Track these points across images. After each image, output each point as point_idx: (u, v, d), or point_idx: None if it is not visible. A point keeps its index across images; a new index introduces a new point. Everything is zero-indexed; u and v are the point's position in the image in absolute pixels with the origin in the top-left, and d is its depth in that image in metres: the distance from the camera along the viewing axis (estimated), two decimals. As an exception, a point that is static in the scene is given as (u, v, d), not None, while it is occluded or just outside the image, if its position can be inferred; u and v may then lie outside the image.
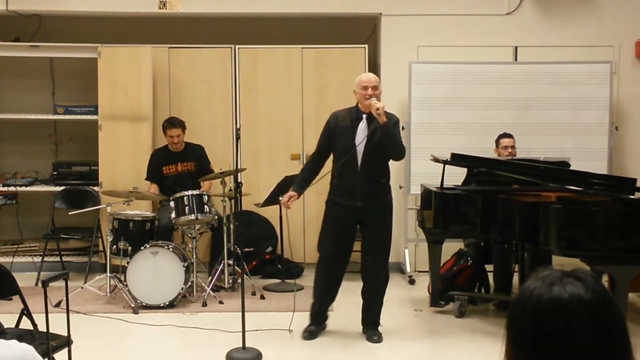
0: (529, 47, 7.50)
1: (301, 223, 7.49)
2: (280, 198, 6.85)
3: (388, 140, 5.17)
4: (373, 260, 5.39)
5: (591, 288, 1.46)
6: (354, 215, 5.29)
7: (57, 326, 4.00)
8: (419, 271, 7.40)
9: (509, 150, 6.45)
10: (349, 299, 5.64)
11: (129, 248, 6.27)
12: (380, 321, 5.52)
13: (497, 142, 6.57)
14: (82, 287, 6.41)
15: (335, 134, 5.32)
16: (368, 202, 5.24)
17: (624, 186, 5.36)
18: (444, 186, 5.83)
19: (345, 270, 5.49)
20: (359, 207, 5.24)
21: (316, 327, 5.47)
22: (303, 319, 5.55)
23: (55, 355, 3.95)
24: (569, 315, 1.44)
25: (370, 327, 5.47)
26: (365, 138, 5.19)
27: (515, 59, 7.52)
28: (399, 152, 5.30)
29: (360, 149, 5.21)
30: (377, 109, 5.07)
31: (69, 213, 6.88)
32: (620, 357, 1.46)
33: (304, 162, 7.38)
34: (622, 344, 1.46)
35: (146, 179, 7.06)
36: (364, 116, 5.25)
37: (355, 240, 5.52)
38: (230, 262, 6.65)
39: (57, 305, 5.76)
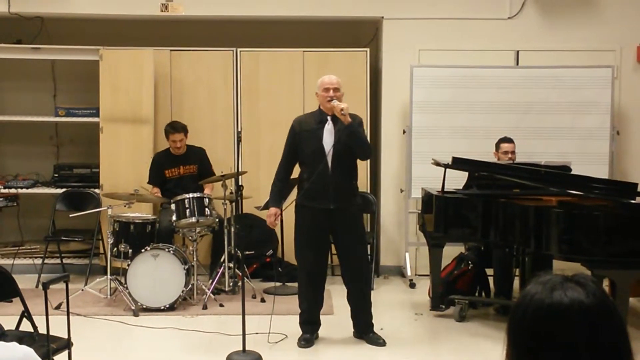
0: (530, 51, 7.50)
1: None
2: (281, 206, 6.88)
3: (354, 140, 5.17)
4: (352, 264, 5.36)
5: (592, 293, 1.46)
6: (326, 219, 5.25)
7: (58, 328, 3.99)
8: (419, 275, 7.39)
9: (509, 155, 6.43)
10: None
11: (130, 250, 6.27)
12: (381, 325, 5.51)
13: (497, 146, 6.56)
14: (82, 290, 6.41)
15: (301, 138, 5.31)
16: (340, 204, 5.21)
17: (625, 191, 5.36)
18: (445, 190, 5.84)
19: (326, 274, 5.47)
20: (331, 209, 5.21)
21: (311, 335, 5.44)
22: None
23: (55, 358, 3.95)
24: (570, 320, 1.44)
25: (369, 331, 5.44)
26: (333, 139, 5.18)
27: (517, 63, 7.52)
28: (366, 152, 5.31)
29: (328, 150, 5.20)
30: (342, 109, 5.08)
31: (70, 215, 6.88)
32: None
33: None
34: (623, 349, 1.46)
35: (148, 183, 7.06)
36: (329, 118, 5.24)
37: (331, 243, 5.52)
38: (231, 264, 6.65)
39: (58, 307, 5.76)
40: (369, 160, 6.92)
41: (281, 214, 5.50)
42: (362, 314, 5.45)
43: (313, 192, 5.23)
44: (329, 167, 5.20)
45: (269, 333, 5.42)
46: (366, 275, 5.49)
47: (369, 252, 5.56)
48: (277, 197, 5.45)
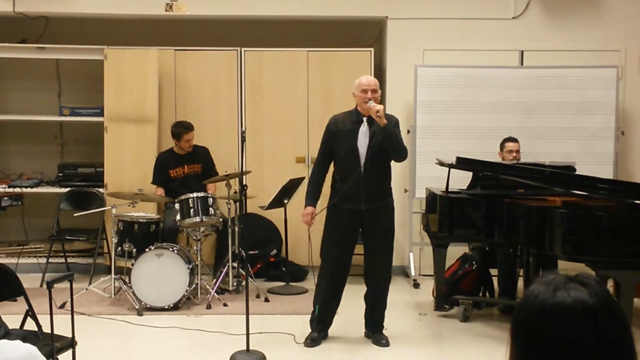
0: (535, 51, 7.49)
1: (306, 226, 7.46)
2: (285, 201, 6.90)
3: (389, 142, 5.17)
4: (377, 264, 5.39)
5: (595, 293, 1.46)
6: (357, 219, 5.28)
7: (62, 327, 4.00)
8: (423, 275, 7.39)
9: (514, 154, 6.44)
10: (351, 303, 5.62)
11: (134, 250, 6.28)
12: (385, 325, 5.51)
13: (502, 145, 6.55)
14: (86, 289, 6.42)
15: (337, 138, 5.33)
16: (371, 205, 5.24)
17: (630, 191, 5.35)
18: (449, 190, 5.83)
19: (347, 276, 5.48)
20: (362, 210, 5.23)
21: (318, 334, 5.45)
22: (307, 322, 5.54)
23: (59, 357, 3.96)
24: (573, 321, 1.43)
25: (377, 330, 5.46)
26: (368, 141, 5.20)
27: (521, 63, 7.51)
28: (401, 154, 5.30)
29: (362, 152, 5.21)
30: (377, 112, 5.08)
31: (74, 214, 6.88)
32: None
33: (309, 165, 7.39)
34: (627, 349, 1.46)
35: (152, 183, 7.06)
36: (365, 119, 5.25)
37: (357, 244, 5.52)
38: (235, 264, 6.65)
39: (62, 306, 5.78)
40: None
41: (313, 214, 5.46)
42: (376, 313, 5.47)
43: (345, 192, 5.25)
44: (362, 169, 5.21)
45: (273, 333, 5.43)
46: (386, 277, 5.48)
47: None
48: (313, 196, 5.45)
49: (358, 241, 5.50)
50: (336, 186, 5.35)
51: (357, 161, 5.21)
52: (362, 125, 5.25)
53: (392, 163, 5.41)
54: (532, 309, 1.48)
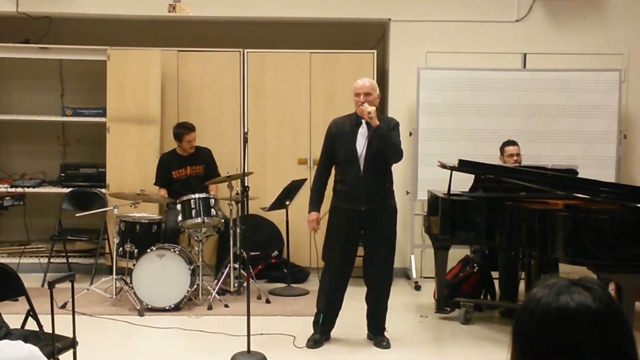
0: (537, 54, 7.49)
1: (307, 227, 7.47)
2: (287, 203, 6.90)
3: (383, 143, 5.19)
4: (377, 265, 5.39)
5: (599, 297, 1.46)
6: (358, 220, 5.29)
7: (63, 328, 4.00)
8: (424, 277, 7.39)
9: (515, 157, 6.43)
10: (353, 305, 5.62)
11: (135, 250, 6.28)
12: (386, 326, 5.51)
13: (502, 149, 6.53)
14: (88, 289, 6.42)
15: (337, 140, 5.36)
16: (371, 206, 5.25)
17: (632, 194, 5.35)
18: (451, 192, 5.83)
19: (349, 277, 5.48)
20: (362, 211, 5.24)
21: (321, 336, 5.45)
22: (308, 324, 5.54)
23: (60, 357, 3.96)
24: (576, 325, 1.43)
25: (378, 332, 5.46)
26: (366, 143, 5.21)
27: (524, 66, 7.51)
28: (395, 155, 5.29)
29: (361, 153, 5.23)
30: (369, 113, 5.12)
31: (76, 215, 6.89)
32: None
33: (312, 166, 7.39)
34: (629, 354, 1.46)
35: (155, 184, 7.07)
36: (363, 121, 5.27)
37: (359, 246, 5.52)
38: (236, 265, 6.65)
39: (63, 306, 5.77)
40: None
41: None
42: (376, 315, 5.47)
43: (345, 193, 5.28)
44: (361, 170, 5.23)
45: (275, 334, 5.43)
46: (386, 279, 5.47)
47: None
48: (316, 201, 5.47)
49: (360, 243, 5.50)
50: (337, 188, 5.38)
51: (356, 163, 5.24)
52: (361, 128, 5.28)
53: (395, 165, 5.41)
54: (535, 312, 1.47)
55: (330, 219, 5.41)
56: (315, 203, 5.47)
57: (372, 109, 5.16)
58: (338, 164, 5.40)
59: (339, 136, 5.35)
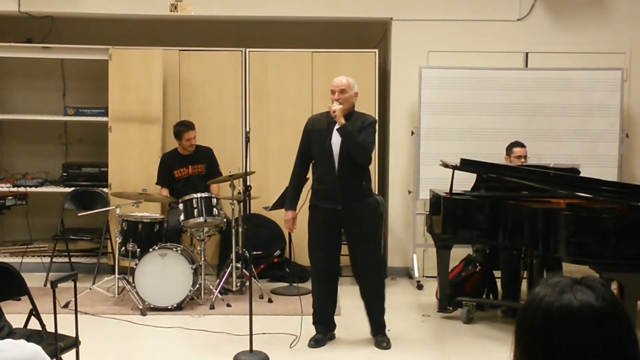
0: (539, 53, 7.48)
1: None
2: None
3: (347, 141, 5.15)
4: (361, 261, 5.37)
5: (602, 296, 1.46)
6: (335, 219, 5.27)
7: (66, 327, 4.01)
8: (427, 276, 7.38)
9: (522, 159, 6.39)
10: (355, 304, 5.62)
11: (138, 250, 6.29)
12: (388, 326, 5.50)
13: (509, 150, 6.49)
14: (90, 288, 6.43)
15: (312, 137, 5.33)
16: (348, 205, 5.22)
17: (634, 193, 5.34)
18: (453, 192, 5.82)
19: (339, 275, 5.48)
20: (338, 210, 5.22)
21: (323, 335, 5.45)
22: (311, 323, 5.54)
23: (63, 356, 3.96)
24: (580, 324, 1.43)
25: (377, 332, 5.45)
26: (340, 141, 5.18)
27: (526, 65, 7.50)
28: (361, 155, 5.20)
29: (336, 151, 5.20)
30: (333, 112, 5.12)
31: (78, 214, 6.90)
32: None
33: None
34: (633, 352, 1.45)
35: (157, 184, 7.07)
36: (332, 116, 5.24)
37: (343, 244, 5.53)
38: (239, 265, 6.65)
39: (66, 306, 5.78)
40: (376, 162, 6.93)
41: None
42: (373, 312, 5.44)
43: (322, 192, 5.27)
44: (336, 168, 5.20)
45: (277, 333, 5.43)
46: (377, 271, 5.47)
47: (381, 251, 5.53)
48: (291, 199, 5.45)
49: (343, 241, 5.50)
50: (314, 186, 5.35)
51: (331, 161, 5.21)
52: (336, 125, 5.22)
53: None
54: (538, 311, 1.47)
55: (310, 217, 5.39)
56: (291, 201, 5.44)
57: (338, 107, 5.12)
58: (314, 162, 5.38)
59: (314, 133, 5.32)
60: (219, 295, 6.38)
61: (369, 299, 5.44)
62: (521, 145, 6.48)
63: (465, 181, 6.10)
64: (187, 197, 6.48)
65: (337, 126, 5.21)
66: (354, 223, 5.29)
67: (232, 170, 6.66)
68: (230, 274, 6.64)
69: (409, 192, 7.48)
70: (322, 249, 5.34)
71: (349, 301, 5.53)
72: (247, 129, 7.22)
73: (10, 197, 7.50)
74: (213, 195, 6.56)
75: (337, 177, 5.20)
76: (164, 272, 6.14)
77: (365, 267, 5.39)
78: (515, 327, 1.54)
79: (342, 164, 5.20)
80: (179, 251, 6.21)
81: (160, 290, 6.15)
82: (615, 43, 7.48)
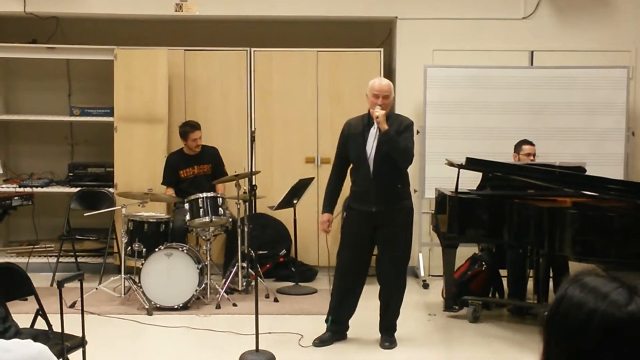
0: (545, 51, 7.47)
1: (315, 226, 7.45)
2: (295, 201, 6.89)
3: (389, 146, 5.16)
4: (387, 265, 5.37)
5: None
6: (369, 221, 5.28)
7: (72, 327, 4.02)
8: (432, 275, 7.38)
9: (531, 157, 6.38)
10: (365, 304, 5.59)
11: (144, 250, 6.30)
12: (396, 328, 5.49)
13: (518, 148, 6.47)
14: (96, 288, 6.44)
15: (349, 141, 5.35)
16: (382, 208, 5.23)
17: (640, 192, 5.33)
18: (459, 190, 5.82)
19: (364, 280, 5.45)
20: (373, 212, 5.23)
21: (331, 335, 5.43)
22: (317, 322, 5.55)
23: (69, 356, 3.98)
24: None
25: (385, 333, 5.45)
26: (374, 144, 5.19)
27: (531, 64, 7.49)
28: (402, 158, 5.23)
29: (371, 154, 5.21)
30: (377, 117, 5.11)
31: (85, 214, 6.91)
32: None
33: (319, 165, 7.40)
34: None
35: (162, 184, 7.08)
36: (375, 122, 5.24)
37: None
38: (244, 264, 6.66)
39: (72, 306, 5.80)
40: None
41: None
42: (386, 315, 5.45)
43: (358, 194, 5.30)
44: (371, 171, 5.22)
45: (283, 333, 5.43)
46: (397, 281, 5.42)
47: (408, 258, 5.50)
48: (329, 203, 5.47)
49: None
50: (352, 189, 5.40)
51: (366, 164, 5.23)
52: (372, 128, 5.24)
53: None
54: (594, 318, 1.41)
55: (345, 218, 5.46)
56: (328, 204, 5.47)
57: (382, 113, 5.10)
58: (352, 166, 5.41)
59: (351, 137, 5.34)
60: (224, 294, 6.38)
61: (387, 301, 5.44)
62: (530, 143, 6.47)
63: (471, 180, 6.09)
64: (192, 197, 6.48)
65: (373, 129, 5.22)
66: (387, 226, 5.29)
67: (237, 170, 6.66)
68: (236, 274, 6.65)
69: (415, 190, 7.44)
70: (351, 251, 5.34)
71: (362, 301, 5.50)
72: (252, 129, 7.22)
73: (16, 198, 7.50)
74: (219, 195, 6.57)
75: (371, 180, 5.22)
76: (169, 272, 6.14)
77: (389, 273, 5.38)
78: (546, 332, 1.48)
79: (377, 166, 5.22)
80: (185, 251, 6.22)
81: (166, 290, 6.16)
82: (620, 41, 7.46)
